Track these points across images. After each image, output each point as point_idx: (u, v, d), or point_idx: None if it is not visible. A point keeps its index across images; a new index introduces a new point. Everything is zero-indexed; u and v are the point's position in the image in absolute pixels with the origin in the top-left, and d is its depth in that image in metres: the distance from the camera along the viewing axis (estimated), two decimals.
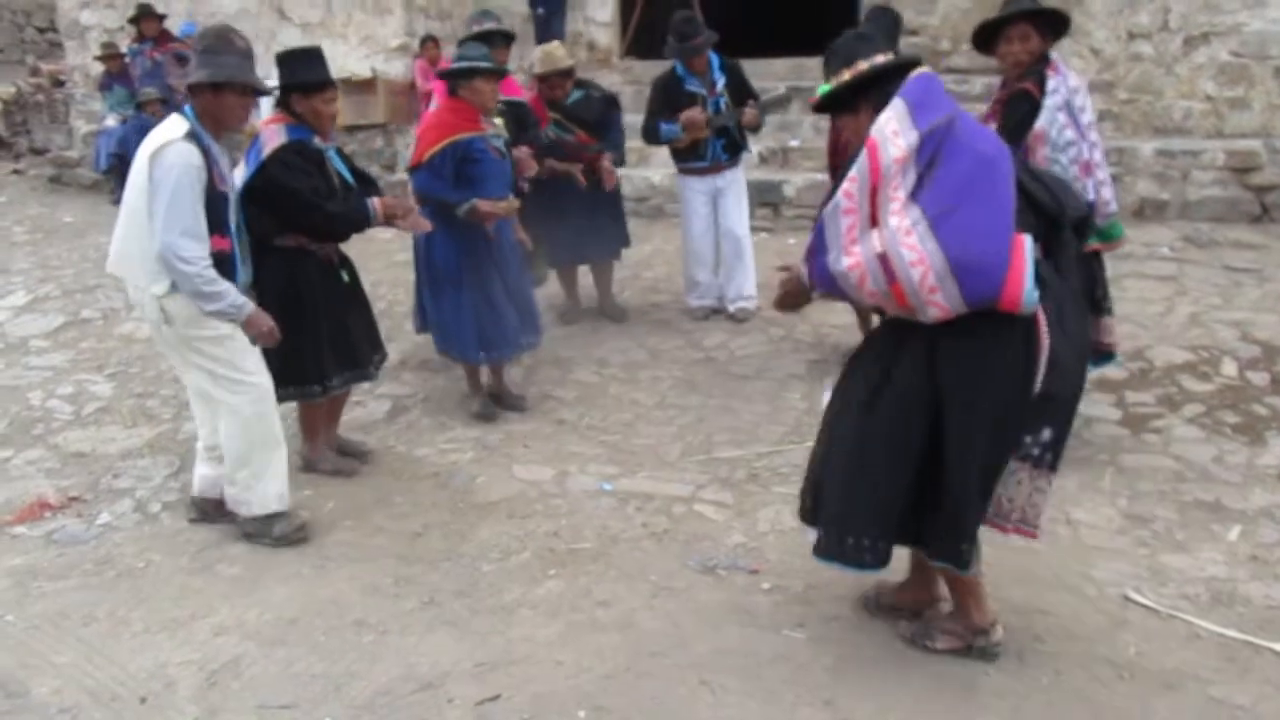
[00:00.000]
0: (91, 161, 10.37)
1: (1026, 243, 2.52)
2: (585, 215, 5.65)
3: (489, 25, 5.53)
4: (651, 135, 5.77)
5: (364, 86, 9.22)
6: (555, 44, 5.85)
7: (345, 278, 4.21)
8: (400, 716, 2.78)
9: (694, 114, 5.58)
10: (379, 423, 4.84)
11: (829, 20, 9.35)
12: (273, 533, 3.73)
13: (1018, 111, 3.89)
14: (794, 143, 8.43)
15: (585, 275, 6.19)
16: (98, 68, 10.50)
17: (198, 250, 3.43)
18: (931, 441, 2.66)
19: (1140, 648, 2.96)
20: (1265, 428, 4.31)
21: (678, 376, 5.25)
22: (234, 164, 3.83)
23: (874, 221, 2.61)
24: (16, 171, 11.54)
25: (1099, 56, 8.03)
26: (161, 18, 9.86)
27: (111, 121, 10.05)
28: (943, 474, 2.66)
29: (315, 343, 4.01)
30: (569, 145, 5.59)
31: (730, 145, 5.75)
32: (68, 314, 6.53)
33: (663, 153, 6.51)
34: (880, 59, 2.72)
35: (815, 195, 7.84)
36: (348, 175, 4.15)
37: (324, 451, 4.33)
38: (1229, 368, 4.94)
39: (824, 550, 2.82)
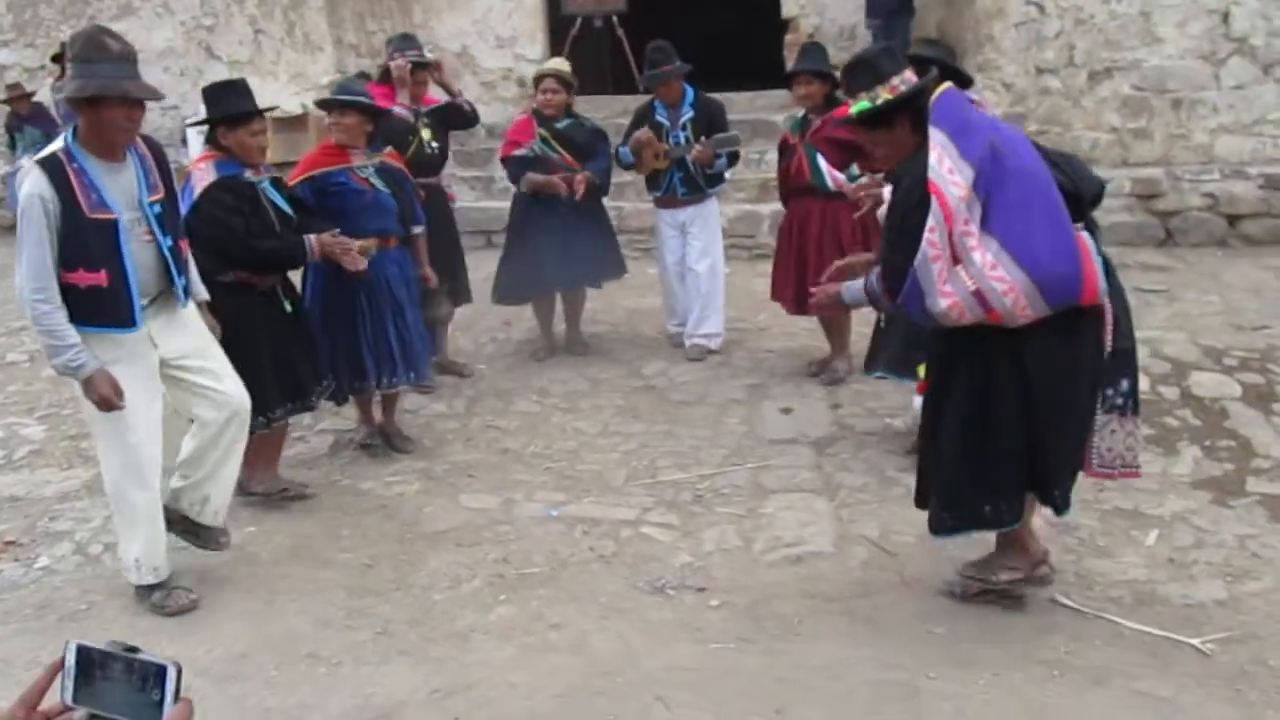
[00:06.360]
0: (9, 202, 10.12)
1: (1088, 241, 2.89)
2: (565, 241, 5.63)
3: (412, 55, 5.35)
4: (616, 158, 5.85)
5: (295, 124, 9.19)
6: (561, 59, 6.11)
7: (288, 308, 4.21)
8: None
9: (642, 134, 5.64)
10: (322, 458, 4.82)
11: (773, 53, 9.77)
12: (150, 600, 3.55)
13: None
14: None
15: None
16: (5, 108, 10.28)
17: (39, 292, 3.11)
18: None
19: (1070, 647, 3.11)
20: (1177, 438, 4.54)
21: (619, 404, 5.33)
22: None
23: (956, 259, 2.87)
24: None
25: (1010, 90, 8.38)
26: None
27: (26, 163, 9.83)
28: (1043, 442, 3.03)
29: (258, 375, 3.96)
30: (553, 163, 5.64)
31: (689, 181, 5.72)
32: None
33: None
34: (911, 76, 2.97)
35: (747, 225, 8.06)
36: (285, 206, 4.14)
37: (260, 476, 4.25)
38: (1142, 383, 5.17)
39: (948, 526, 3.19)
